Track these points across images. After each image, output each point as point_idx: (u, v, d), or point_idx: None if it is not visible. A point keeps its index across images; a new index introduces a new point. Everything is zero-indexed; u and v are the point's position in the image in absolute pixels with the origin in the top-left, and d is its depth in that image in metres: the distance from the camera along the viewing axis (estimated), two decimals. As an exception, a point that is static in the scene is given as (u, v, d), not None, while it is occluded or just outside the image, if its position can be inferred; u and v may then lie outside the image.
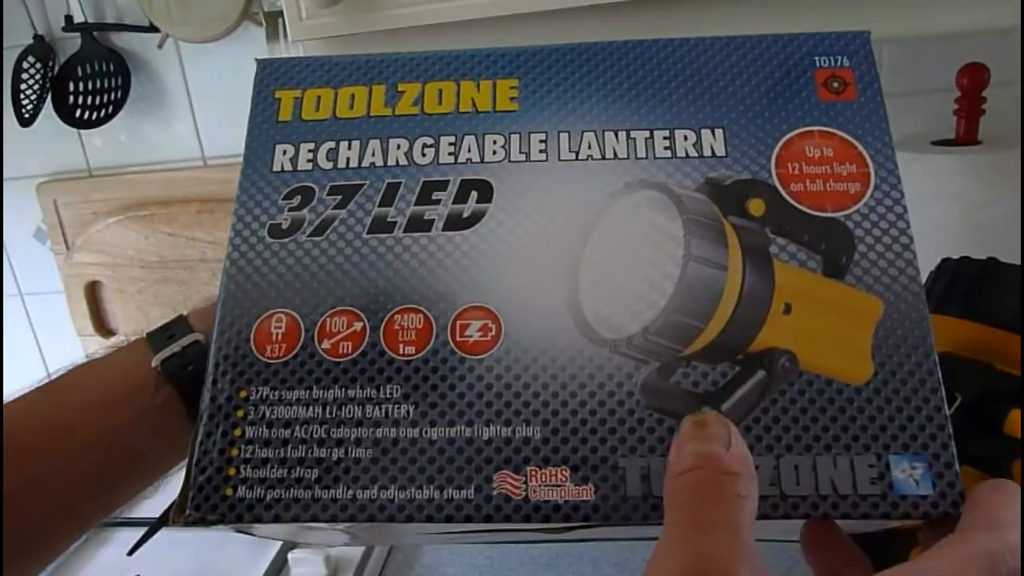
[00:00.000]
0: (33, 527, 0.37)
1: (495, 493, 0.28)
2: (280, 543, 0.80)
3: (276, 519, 0.28)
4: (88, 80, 0.95)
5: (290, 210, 0.33)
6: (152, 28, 0.91)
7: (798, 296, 0.30)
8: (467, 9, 0.48)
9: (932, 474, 0.27)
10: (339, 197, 0.33)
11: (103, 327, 1.02)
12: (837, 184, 0.32)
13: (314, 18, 0.51)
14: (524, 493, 0.28)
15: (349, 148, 0.33)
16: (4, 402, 0.37)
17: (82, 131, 0.99)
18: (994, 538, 0.25)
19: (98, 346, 0.98)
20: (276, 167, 0.33)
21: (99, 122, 0.96)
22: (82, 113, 0.95)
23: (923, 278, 0.37)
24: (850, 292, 0.30)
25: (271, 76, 0.35)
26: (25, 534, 0.36)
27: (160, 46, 0.93)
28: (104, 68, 0.95)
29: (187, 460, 0.30)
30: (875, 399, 0.28)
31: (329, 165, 0.33)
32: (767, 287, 0.30)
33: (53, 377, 0.40)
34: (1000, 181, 0.62)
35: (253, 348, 0.30)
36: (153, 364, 0.40)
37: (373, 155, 0.33)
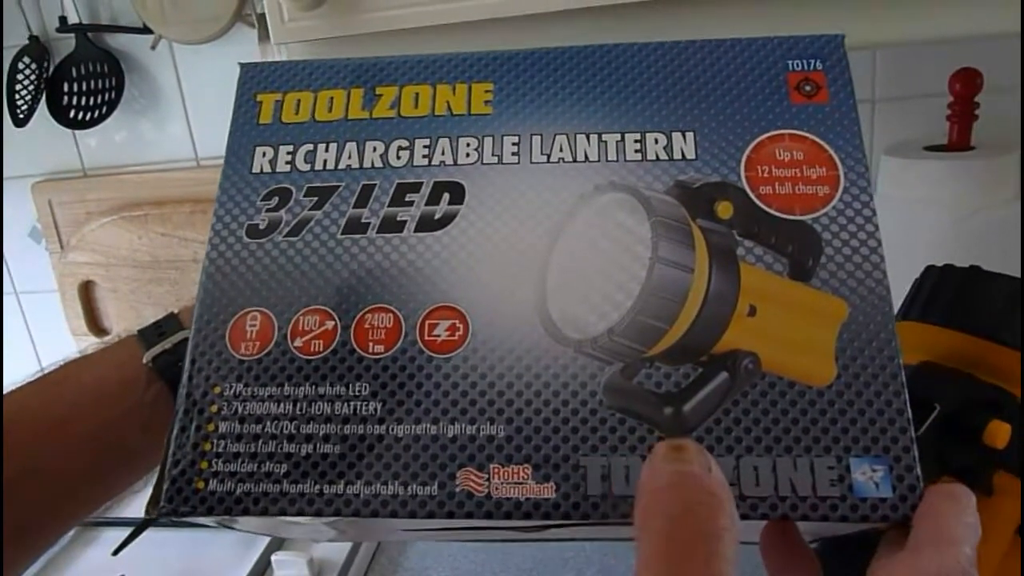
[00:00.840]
0: (25, 518, 0.38)
1: (458, 490, 0.28)
2: (265, 544, 0.81)
3: (245, 512, 0.29)
4: (82, 81, 0.96)
5: (268, 211, 0.33)
6: (146, 29, 0.92)
7: (763, 298, 0.30)
8: (449, 13, 0.48)
9: (892, 477, 0.28)
10: (315, 198, 0.33)
11: (96, 326, 1.03)
12: (806, 187, 0.32)
13: (296, 21, 0.51)
14: (487, 490, 0.28)
15: (326, 150, 0.34)
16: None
17: (77, 132, 1.00)
18: (946, 555, 0.24)
19: (91, 346, 1.00)
20: (256, 168, 0.34)
21: (93, 123, 0.96)
22: (76, 113, 0.96)
23: (905, 284, 0.37)
24: (815, 294, 0.30)
25: (253, 80, 0.36)
26: (17, 525, 0.37)
27: (153, 47, 0.94)
28: (98, 69, 0.96)
29: (162, 453, 0.30)
30: (838, 401, 0.29)
31: (307, 167, 0.34)
32: (732, 289, 0.30)
33: (45, 371, 0.41)
34: (993, 187, 0.61)
35: (228, 345, 0.31)
36: (144, 360, 0.41)
37: (349, 157, 0.34)
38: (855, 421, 0.28)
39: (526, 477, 0.28)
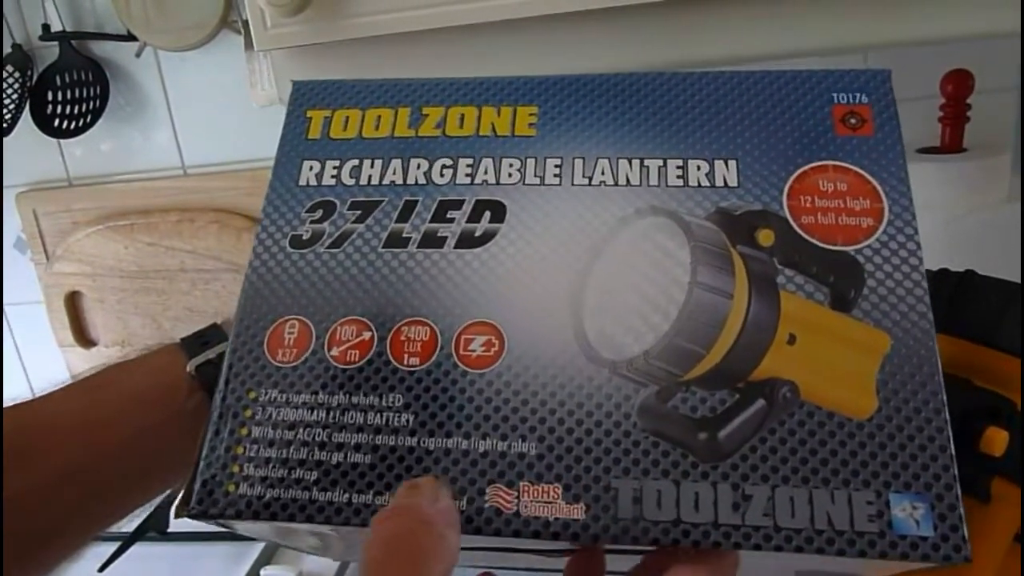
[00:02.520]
0: (59, 522, 0.38)
1: (487, 506, 0.28)
2: (254, 558, 0.80)
3: (273, 518, 0.29)
4: (67, 89, 0.95)
5: (312, 223, 0.34)
6: (130, 37, 0.90)
7: (803, 327, 0.30)
8: (431, 18, 0.48)
9: (934, 516, 0.27)
10: (359, 212, 0.34)
11: (83, 338, 1.01)
12: (849, 218, 0.31)
13: (279, 27, 0.50)
14: (515, 508, 0.28)
15: (372, 166, 0.35)
16: (36, 396, 0.39)
17: (62, 141, 0.99)
18: None
19: (79, 357, 1.00)
20: (302, 181, 0.35)
21: (77, 131, 0.95)
22: (61, 122, 0.95)
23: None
24: (857, 326, 0.30)
25: (304, 96, 0.37)
26: (50, 528, 0.38)
27: (138, 55, 0.92)
28: (83, 77, 0.95)
29: (196, 455, 0.31)
30: (878, 435, 0.28)
31: (352, 181, 0.35)
32: (772, 316, 0.30)
33: (85, 375, 0.42)
34: (985, 189, 0.60)
35: (266, 351, 0.32)
36: (188, 369, 0.41)
37: (394, 173, 0.34)
38: (895, 456, 0.28)
39: (556, 497, 0.28)
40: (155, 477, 0.41)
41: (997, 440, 0.36)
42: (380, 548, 0.25)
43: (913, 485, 0.27)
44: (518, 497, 0.28)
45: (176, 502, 0.30)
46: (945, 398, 0.28)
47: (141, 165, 1.00)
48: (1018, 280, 0.38)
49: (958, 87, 0.63)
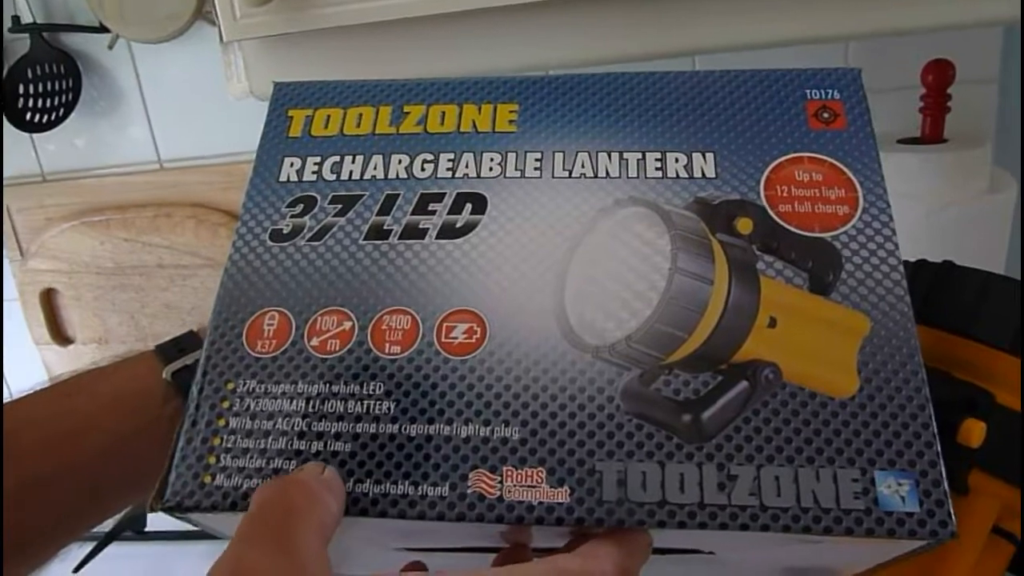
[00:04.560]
0: (25, 531, 0.37)
1: (470, 491, 0.28)
2: None
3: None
4: (38, 82, 0.91)
5: (292, 217, 0.34)
6: (103, 28, 0.87)
7: (784, 310, 0.30)
8: (401, 8, 0.47)
9: (919, 492, 0.27)
10: (339, 206, 0.34)
11: (60, 335, 0.98)
12: (825, 206, 0.32)
13: (249, 17, 0.50)
14: (499, 493, 0.28)
15: (353, 162, 0.35)
16: (6, 402, 0.38)
17: (34, 135, 0.96)
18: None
19: (56, 355, 0.97)
20: (283, 178, 0.35)
21: (50, 125, 0.92)
22: (33, 116, 0.91)
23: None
24: (836, 308, 0.30)
25: (286, 97, 0.37)
26: (15, 538, 0.36)
27: (110, 47, 0.89)
28: (55, 70, 0.91)
29: (171, 447, 0.30)
30: (860, 414, 0.28)
31: (333, 177, 0.35)
32: (752, 300, 0.30)
33: (57, 381, 0.41)
34: (965, 179, 0.60)
35: (244, 343, 0.31)
36: (164, 375, 0.40)
37: (375, 169, 0.35)
38: (879, 434, 0.28)
39: (540, 480, 0.28)
40: (130, 486, 0.40)
41: (975, 431, 0.36)
42: (252, 510, 0.26)
43: (897, 462, 0.27)
44: (501, 482, 0.28)
45: (151, 495, 0.29)
46: (925, 376, 0.29)
47: (116, 159, 0.96)
48: (998, 271, 0.39)
49: (939, 77, 0.63)
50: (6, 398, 0.39)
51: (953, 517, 0.26)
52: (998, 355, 0.38)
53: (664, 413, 0.28)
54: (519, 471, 0.28)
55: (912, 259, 0.40)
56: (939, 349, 0.38)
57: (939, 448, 0.27)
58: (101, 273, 0.93)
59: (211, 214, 0.89)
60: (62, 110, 0.93)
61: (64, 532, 0.39)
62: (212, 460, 0.29)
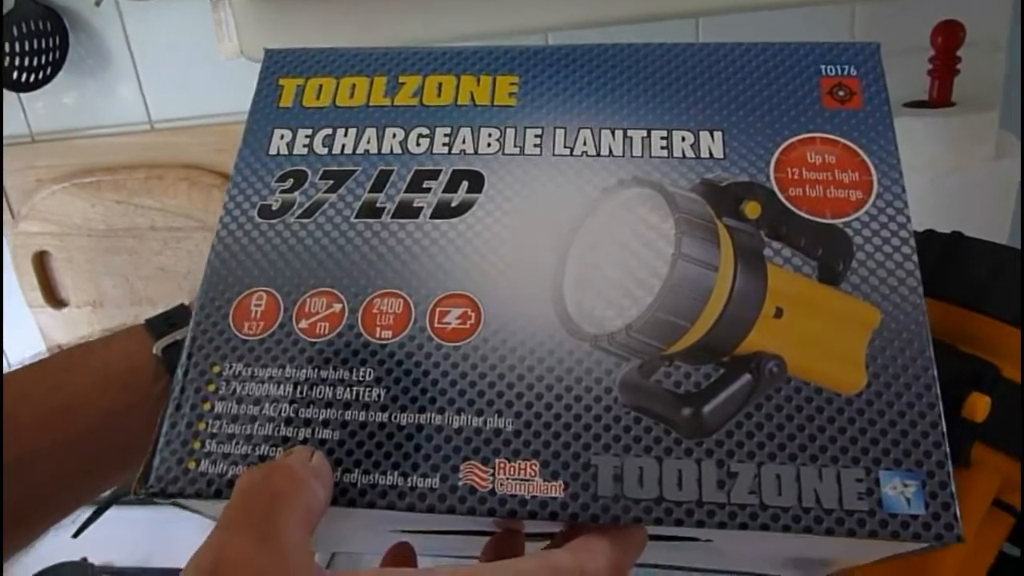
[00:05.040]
0: (20, 505, 0.36)
1: (461, 484, 0.27)
2: None
3: None
4: (24, 40, 0.89)
5: (282, 192, 0.32)
6: None
7: (791, 300, 0.29)
8: None
9: (925, 493, 0.26)
10: (331, 181, 0.32)
11: (54, 298, 0.97)
12: (838, 191, 0.30)
13: None
14: (491, 485, 0.27)
15: (345, 135, 0.33)
16: None
17: (23, 95, 0.93)
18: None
19: (50, 319, 0.96)
20: (272, 151, 0.34)
21: (38, 84, 0.90)
22: (20, 75, 0.89)
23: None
24: (846, 299, 0.29)
25: (277, 64, 0.36)
26: (15, 511, 0.36)
27: (97, 3, 0.87)
28: (41, 27, 0.89)
29: (155, 431, 0.29)
30: (867, 411, 0.27)
31: (324, 150, 0.33)
32: (758, 289, 0.29)
33: (47, 356, 0.40)
34: (973, 145, 0.58)
35: (231, 324, 0.30)
36: (154, 351, 0.39)
37: (368, 142, 0.33)
38: (885, 432, 0.27)
39: (533, 474, 0.27)
40: (119, 464, 0.39)
41: (980, 406, 0.35)
42: (236, 496, 0.25)
43: (904, 462, 0.26)
44: (494, 475, 0.27)
45: (135, 480, 0.28)
46: (936, 373, 0.27)
47: (106, 120, 0.94)
48: (1002, 238, 0.37)
49: (948, 39, 0.60)
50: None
51: (960, 520, 0.25)
52: (1004, 328, 0.36)
53: (663, 406, 0.27)
54: (512, 464, 0.27)
55: (918, 228, 0.39)
56: (946, 322, 0.37)
57: (947, 449, 0.26)
58: (93, 236, 0.92)
59: (204, 175, 0.87)
60: (49, 69, 0.90)
61: (58, 507, 0.38)
62: (197, 445, 0.28)
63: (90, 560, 0.82)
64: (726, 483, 0.26)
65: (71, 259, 0.94)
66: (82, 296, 0.95)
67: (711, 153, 0.32)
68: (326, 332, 0.30)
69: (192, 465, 0.28)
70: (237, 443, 0.28)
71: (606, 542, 0.26)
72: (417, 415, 0.28)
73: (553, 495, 0.27)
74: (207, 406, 0.29)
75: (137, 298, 0.92)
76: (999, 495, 0.39)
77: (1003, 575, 0.41)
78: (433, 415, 0.28)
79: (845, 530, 0.25)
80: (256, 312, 0.30)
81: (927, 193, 0.59)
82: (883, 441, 0.27)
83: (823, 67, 0.33)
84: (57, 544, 0.81)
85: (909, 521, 0.25)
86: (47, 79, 0.91)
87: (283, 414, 0.28)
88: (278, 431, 0.28)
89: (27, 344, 0.97)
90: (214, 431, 0.28)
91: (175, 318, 0.41)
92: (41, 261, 0.96)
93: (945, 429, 0.27)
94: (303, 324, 0.30)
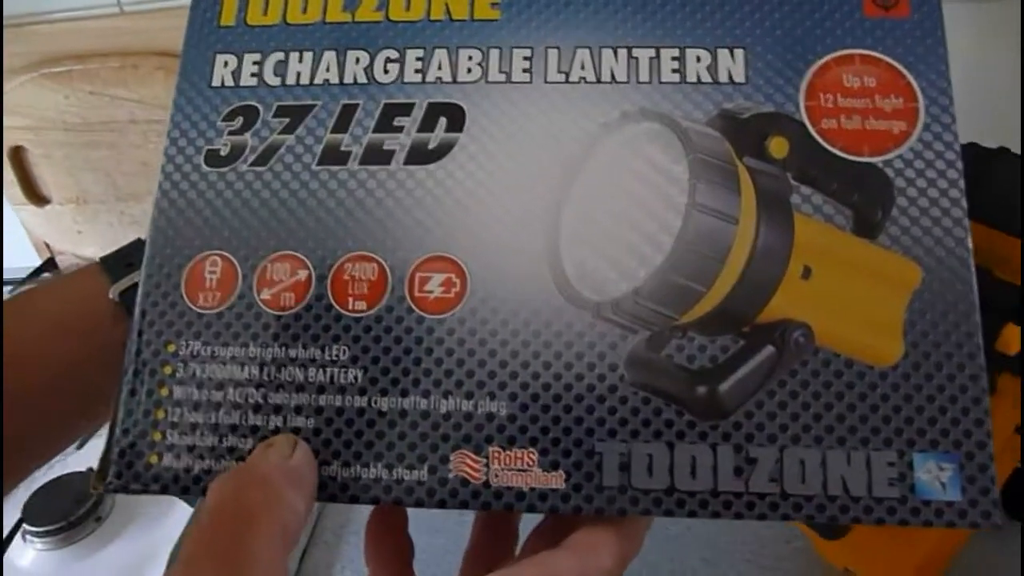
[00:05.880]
0: None
1: (451, 476, 0.24)
2: None
3: (204, 494, 0.25)
4: None
5: (230, 133, 0.28)
6: None
7: (820, 258, 0.25)
8: None
9: (962, 477, 0.23)
10: (286, 120, 0.28)
11: (35, 195, 0.93)
12: (878, 122, 0.26)
13: None
14: (485, 477, 0.24)
15: (300, 61, 0.28)
16: None
17: None
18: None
19: (34, 216, 0.92)
20: (215, 81, 0.29)
21: None
22: None
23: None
24: (884, 255, 0.25)
25: None
26: None
27: None
28: None
29: (109, 420, 0.26)
30: (903, 385, 0.24)
31: (277, 81, 0.28)
32: (784, 246, 0.25)
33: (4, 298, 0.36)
34: (995, 39, 0.54)
35: (184, 295, 0.27)
36: (111, 295, 0.36)
37: (328, 70, 0.28)
38: (922, 410, 0.24)
39: (531, 463, 0.24)
40: (83, 415, 0.37)
41: (1013, 340, 0.33)
42: (204, 516, 0.22)
43: (940, 443, 0.24)
44: (487, 465, 0.24)
45: (93, 474, 0.26)
46: (981, 341, 0.24)
47: (71, 2, 0.85)
48: None
49: None
50: None
51: (998, 506, 0.23)
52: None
53: (675, 385, 0.25)
54: (507, 452, 0.24)
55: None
56: (982, 246, 0.33)
57: (990, 427, 0.24)
58: (69, 129, 0.87)
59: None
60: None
61: (11, 470, 0.36)
62: (157, 436, 0.26)
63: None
64: (744, 470, 0.24)
65: (48, 154, 0.89)
66: (64, 193, 0.91)
67: (731, 77, 0.27)
68: (292, 304, 0.26)
69: (154, 460, 0.25)
70: (201, 434, 0.25)
71: (611, 535, 0.24)
72: (400, 399, 0.25)
73: (553, 487, 0.24)
74: (164, 391, 0.26)
75: (121, 194, 0.89)
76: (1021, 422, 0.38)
77: (1018, 488, 0.40)
78: (417, 399, 0.25)
79: (873, 519, 0.23)
80: (211, 280, 0.27)
81: (963, 90, 0.54)
82: (918, 420, 0.24)
83: None
84: (62, 456, 0.82)
85: (943, 509, 0.23)
86: None
87: (250, 400, 0.25)
88: (245, 419, 0.25)
89: (10, 241, 0.95)
90: (175, 420, 0.26)
91: (133, 256, 0.38)
92: (18, 156, 0.91)
93: (988, 406, 0.24)
94: (265, 295, 0.26)
